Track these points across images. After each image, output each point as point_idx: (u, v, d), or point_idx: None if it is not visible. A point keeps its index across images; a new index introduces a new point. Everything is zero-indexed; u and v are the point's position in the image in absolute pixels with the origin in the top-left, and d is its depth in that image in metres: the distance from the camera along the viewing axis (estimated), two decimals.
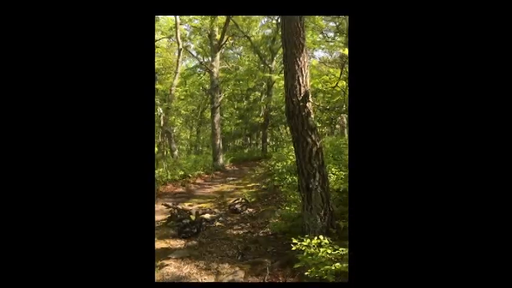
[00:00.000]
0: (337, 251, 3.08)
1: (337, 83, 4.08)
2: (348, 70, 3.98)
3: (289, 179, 6.98)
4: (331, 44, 16.40)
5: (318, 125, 9.82)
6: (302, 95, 3.90)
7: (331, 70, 4.40)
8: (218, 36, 12.99)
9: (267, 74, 15.66)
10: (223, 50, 16.98)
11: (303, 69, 3.91)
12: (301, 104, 3.90)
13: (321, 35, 16.42)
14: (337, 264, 2.86)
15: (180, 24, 13.46)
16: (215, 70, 12.99)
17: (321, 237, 3.25)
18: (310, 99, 4.01)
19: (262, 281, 3.45)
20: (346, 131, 11.43)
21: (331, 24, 15.26)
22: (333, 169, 6.41)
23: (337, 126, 15.36)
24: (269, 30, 17.29)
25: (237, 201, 6.94)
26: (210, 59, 13.83)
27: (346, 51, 3.89)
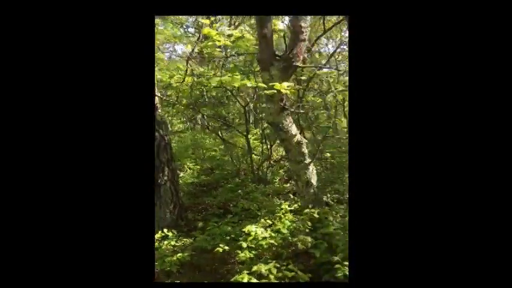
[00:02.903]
0: (181, 242, 3.19)
1: (184, 78, 4.18)
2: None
3: None
4: (192, 39, 16.50)
5: (178, 121, 9.79)
6: None
7: (180, 66, 4.48)
8: None
9: None
10: None
11: None
12: None
13: (181, 30, 16.31)
14: (179, 254, 2.95)
15: None
16: None
17: (165, 230, 3.30)
18: (157, 93, 3.99)
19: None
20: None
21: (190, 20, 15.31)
22: (188, 163, 6.54)
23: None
24: None
25: None
26: None
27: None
